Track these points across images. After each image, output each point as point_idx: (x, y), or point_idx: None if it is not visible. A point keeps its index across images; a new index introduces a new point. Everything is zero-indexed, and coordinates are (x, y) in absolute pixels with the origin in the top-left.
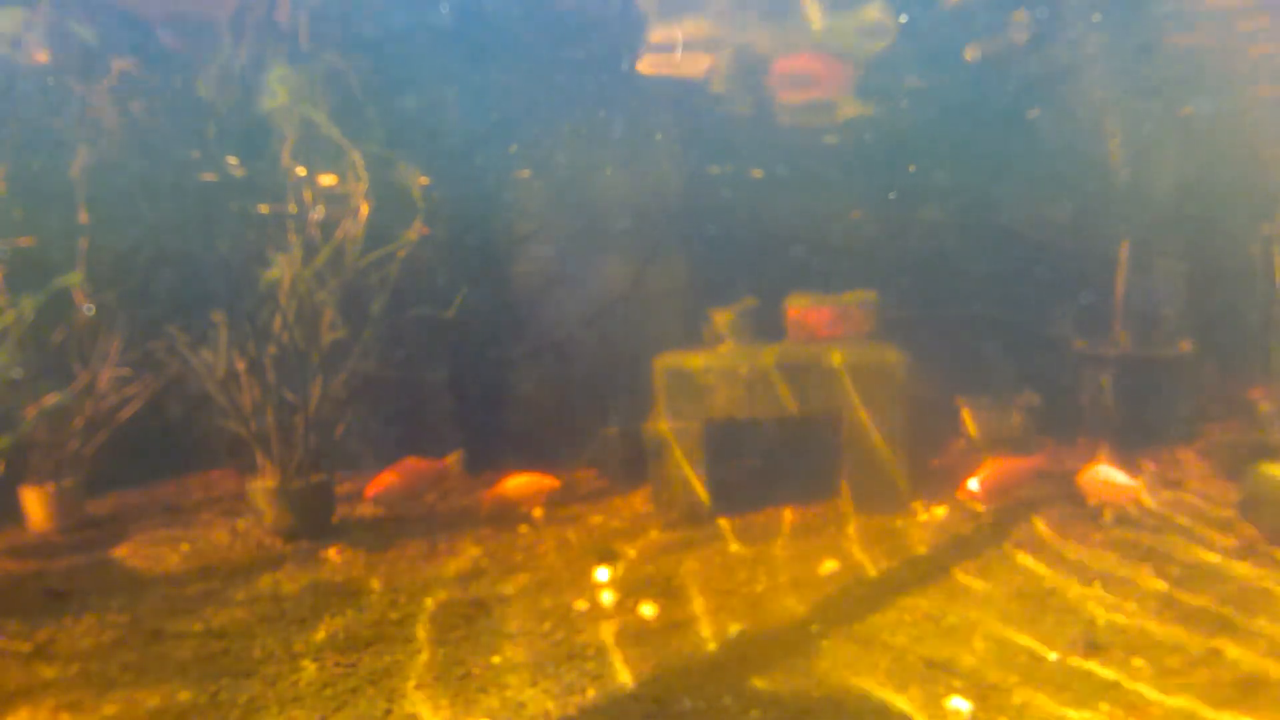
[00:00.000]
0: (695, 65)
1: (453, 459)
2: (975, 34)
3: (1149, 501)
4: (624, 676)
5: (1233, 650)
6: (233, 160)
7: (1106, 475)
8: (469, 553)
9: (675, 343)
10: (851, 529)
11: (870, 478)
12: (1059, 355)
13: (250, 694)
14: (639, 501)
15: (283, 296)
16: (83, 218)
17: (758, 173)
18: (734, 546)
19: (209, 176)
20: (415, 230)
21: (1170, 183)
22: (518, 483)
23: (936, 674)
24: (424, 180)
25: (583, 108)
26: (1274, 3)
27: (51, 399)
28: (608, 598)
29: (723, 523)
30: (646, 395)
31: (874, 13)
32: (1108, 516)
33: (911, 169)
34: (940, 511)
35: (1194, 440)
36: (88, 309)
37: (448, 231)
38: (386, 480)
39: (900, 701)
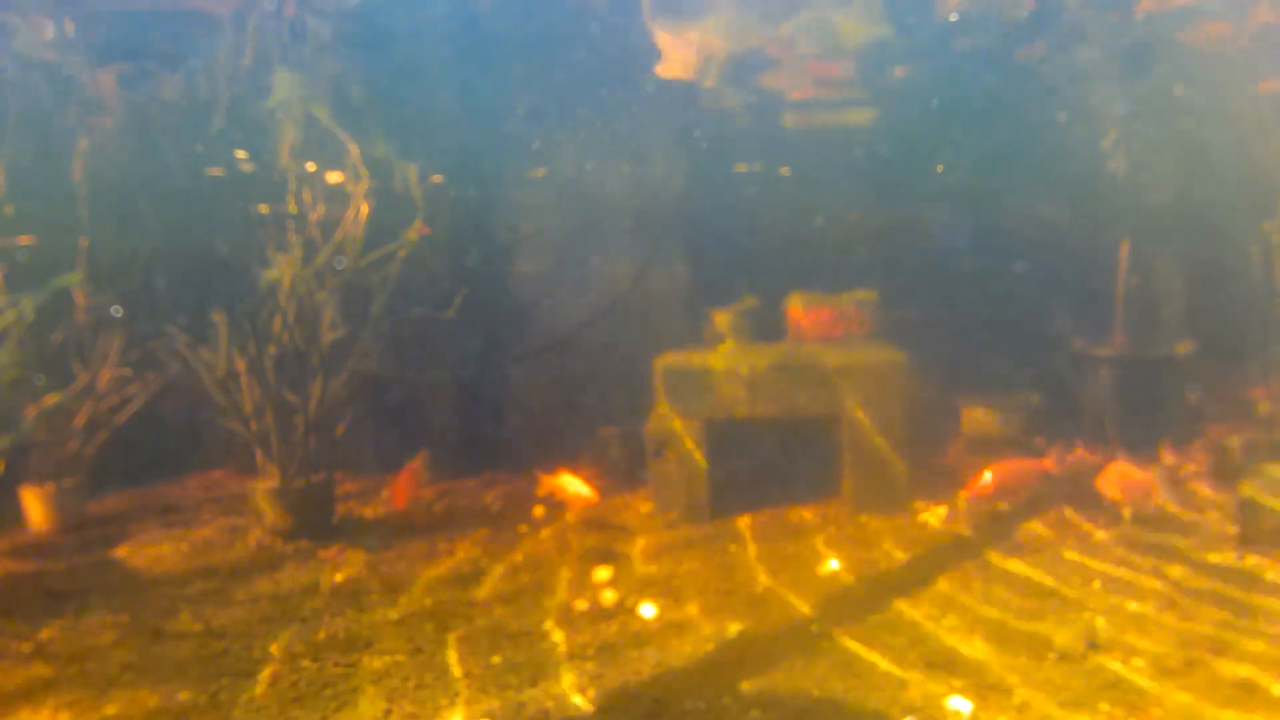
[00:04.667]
0: (696, 65)
1: (418, 461)
2: (977, 34)
3: (1161, 496)
4: (624, 676)
5: (1233, 650)
6: (241, 154)
7: (1126, 474)
8: (469, 553)
9: (675, 343)
10: (851, 529)
11: (870, 477)
12: (1059, 355)
13: (250, 694)
14: (639, 501)
15: (283, 296)
16: (83, 215)
17: (785, 170)
18: (734, 546)
19: (215, 172)
20: (415, 230)
21: (1170, 182)
22: (565, 481)
23: (937, 674)
24: (436, 178)
25: (591, 108)
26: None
27: (51, 399)
28: (608, 597)
29: (723, 523)
30: (646, 395)
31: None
32: (1127, 515)
33: (940, 169)
34: (940, 511)
35: (1194, 440)
36: (114, 310)
37: (462, 229)
38: (407, 484)
39: (900, 701)
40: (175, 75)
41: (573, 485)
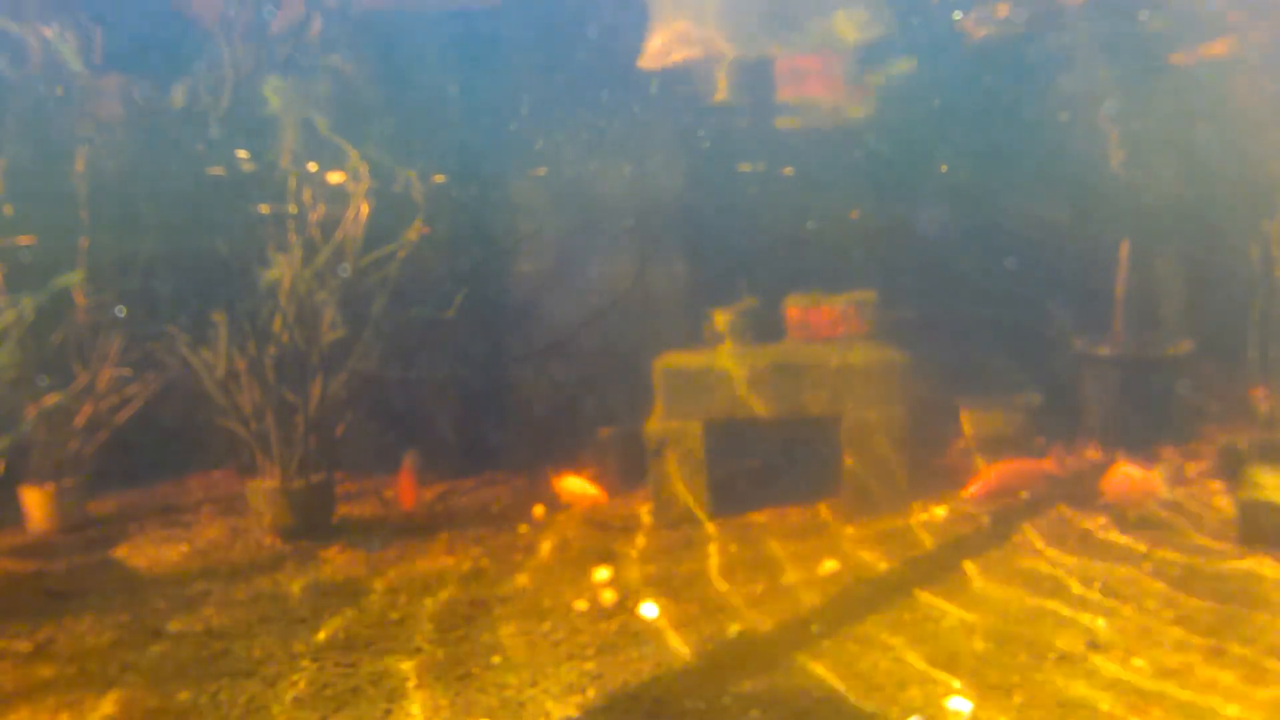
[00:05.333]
0: (699, 65)
1: (409, 461)
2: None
3: (1166, 493)
4: (624, 676)
5: (1233, 650)
6: (243, 154)
7: (1129, 475)
8: (469, 553)
9: (675, 343)
10: (851, 529)
11: (870, 478)
12: (1059, 355)
13: (250, 694)
14: (639, 502)
15: (283, 296)
16: (83, 216)
17: (789, 170)
18: (734, 546)
19: (216, 171)
20: (415, 230)
21: (1170, 181)
22: (574, 484)
23: (937, 674)
24: (439, 178)
25: (593, 108)
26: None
27: (51, 399)
28: (608, 598)
29: (723, 523)
30: (646, 395)
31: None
32: (1133, 517)
33: (944, 169)
34: (940, 512)
35: (1194, 440)
36: (118, 310)
37: (463, 229)
38: (411, 484)
39: (900, 701)
40: (176, 75)
41: (580, 487)
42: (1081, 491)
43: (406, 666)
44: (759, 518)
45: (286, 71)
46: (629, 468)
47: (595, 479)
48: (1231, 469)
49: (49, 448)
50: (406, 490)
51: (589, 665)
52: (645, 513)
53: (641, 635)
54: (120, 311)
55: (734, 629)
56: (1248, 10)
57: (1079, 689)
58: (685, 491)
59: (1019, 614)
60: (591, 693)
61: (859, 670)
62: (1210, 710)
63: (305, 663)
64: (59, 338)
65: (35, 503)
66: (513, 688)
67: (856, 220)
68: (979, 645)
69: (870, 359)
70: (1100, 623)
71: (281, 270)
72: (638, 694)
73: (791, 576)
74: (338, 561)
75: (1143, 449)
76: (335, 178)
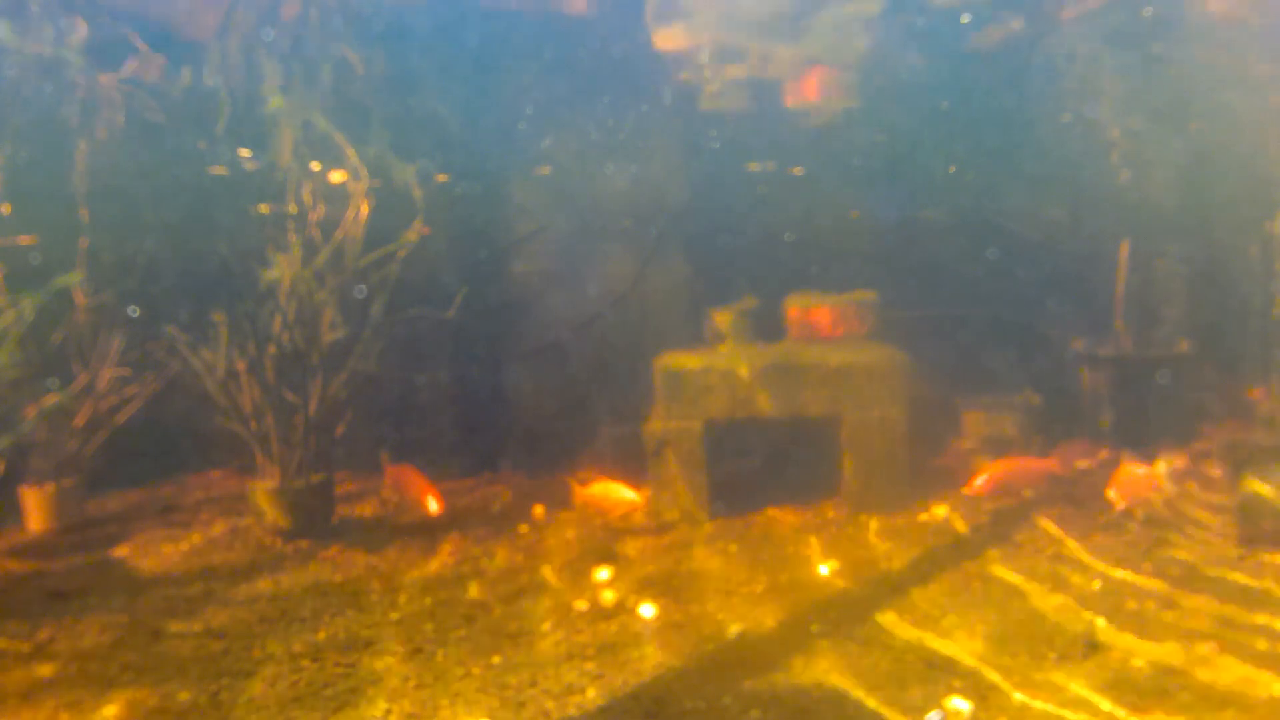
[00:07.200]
0: (704, 66)
1: (384, 459)
2: (973, 29)
3: (1167, 492)
4: (624, 676)
5: (1234, 650)
6: (245, 153)
7: (1133, 476)
8: (469, 553)
9: (675, 343)
10: (851, 529)
11: (870, 478)
12: (1059, 355)
13: (250, 694)
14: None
15: (283, 296)
16: (83, 216)
17: (798, 170)
18: (734, 546)
19: (218, 170)
20: (415, 230)
21: (1169, 181)
22: (609, 489)
23: (936, 674)
24: (442, 178)
25: (597, 109)
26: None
27: (51, 399)
28: (608, 598)
29: (722, 523)
30: (647, 395)
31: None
32: (1138, 516)
33: (952, 169)
34: (940, 511)
35: (1195, 440)
36: (131, 310)
37: (464, 229)
38: (423, 484)
39: (900, 701)
40: (178, 74)
41: (617, 492)
42: (1083, 491)
43: (407, 667)
44: (759, 518)
45: (290, 70)
46: (629, 468)
47: (595, 479)
48: (1232, 469)
49: (49, 448)
50: (430, 492)
51: (589, 665)
52: (646, 512)
53: (641, 635)
54: (134, 311)
55: (734, 629)
56: None
57: (1079, 689)
58: (685, 492)
59: (1019, 613)
60: (591, 693)
61: (859, 670)
62: (1210, 711)
63: (305, 663)
64: (59, 338)
65: (35, 503)
66: (513, 688)
67: (857, 220)
68: (979, 645)
69: (870, 359)
70: (1101, 622)
71: (281, 270)
72: (638, 694)
73: (791, 576)
74: (337, 561)
75: (1143, 449)
76: (336, 177)
